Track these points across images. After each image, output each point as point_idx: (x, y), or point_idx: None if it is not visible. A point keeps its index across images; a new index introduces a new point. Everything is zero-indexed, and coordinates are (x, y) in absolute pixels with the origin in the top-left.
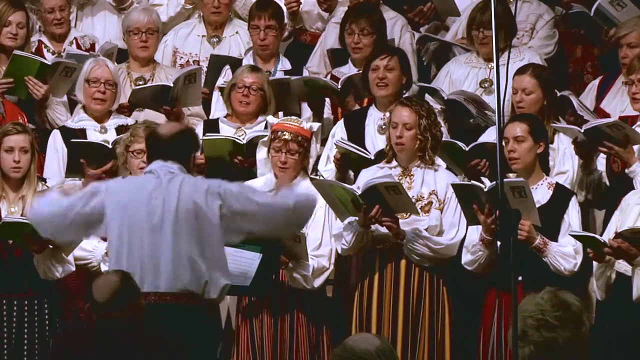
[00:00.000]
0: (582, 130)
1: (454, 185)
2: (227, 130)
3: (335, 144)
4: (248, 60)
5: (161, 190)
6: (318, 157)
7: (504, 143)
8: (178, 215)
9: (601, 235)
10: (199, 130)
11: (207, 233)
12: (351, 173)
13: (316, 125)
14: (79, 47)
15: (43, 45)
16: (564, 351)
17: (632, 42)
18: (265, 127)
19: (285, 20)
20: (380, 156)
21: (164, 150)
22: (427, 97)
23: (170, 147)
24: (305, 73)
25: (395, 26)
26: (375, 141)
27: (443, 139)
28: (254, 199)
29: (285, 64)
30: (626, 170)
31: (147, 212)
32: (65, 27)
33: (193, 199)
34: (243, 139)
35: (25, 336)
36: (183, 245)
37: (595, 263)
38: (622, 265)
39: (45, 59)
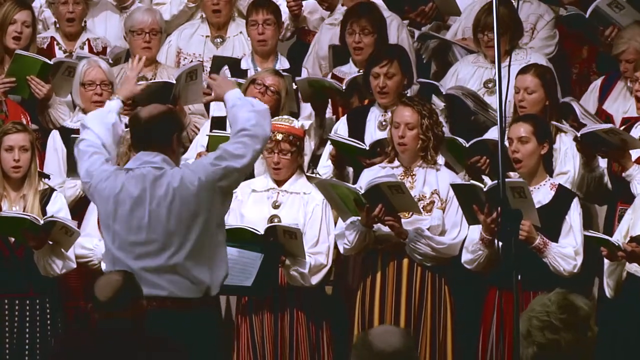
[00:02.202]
0: (579, 135)
1: (453, 186)
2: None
3: (328, 137)
4: (247, 60)
5: (145, 201)
6: (317, 156)
7: (507, 143)
8: (169, 224)
9: (612, 234)
10: (206, 127)
11: (202, 234)
12: (350, 170)
13: (307, 123)
14: (90, 49)
15: (55, 43)
16: (567, 354)
17: (630, 58)
18: None
19: (287, 22)
20: (376, 146)
21: (144, 135)
22: (433, 96)
23: (151, 132)
24: (305, 72)
25: (392, 26)
26: (374, 138)
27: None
28: (236, 166)
29: (283, 63)
30: (623, 174)
31: (133, 223)
32: (76, 25)
33: (183, 206)
34: None
35: (27, 336)
36: (177, 255)
37: (606, 260)
38: (632, 266)
39: (54, 56)
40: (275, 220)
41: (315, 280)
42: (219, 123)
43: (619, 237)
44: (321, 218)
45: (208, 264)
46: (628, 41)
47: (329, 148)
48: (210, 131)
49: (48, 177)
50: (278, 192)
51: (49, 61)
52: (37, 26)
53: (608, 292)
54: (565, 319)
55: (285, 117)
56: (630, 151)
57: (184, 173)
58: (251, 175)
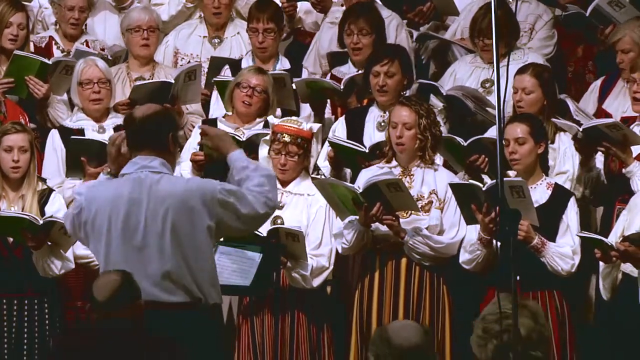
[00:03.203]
0: (581, 129)
1: (452, 185)
2: (225, 130)
3: (327, 140)
4: (247, 61)
5: (142, 204)
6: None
7: (504, 144)
8: (164, 230)
9: (607, 234)
10: (196, 130)
11: (195, 248)
12: (348, 171)
13: (316, 126)
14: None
15: (53, 42)
16: (526, 339)
17: (625, 48)
18: (265, 126)
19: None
20: (375, 149)
21: (139, 136)
22: (431, 96)
23: (145, 133)
24: (305, 72)
25: (391, 25)
26: (373, 138)
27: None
28: (241, 211)
29: (284, 63)
30: (623, 170)
31: (128, 230)
32: (79, 29)
33: (178, 214)
34: (242, 137)
35: (25, 336)
36: (170, 263)
37: (601, 263)
38: (628, 266)
39: (52, 55)
40: (279, 221)
41: (316, 282)
42: (210, 125)
43: (614, 238)
44: (324, 220)
45: (202, 281)
46: (624, 31)
47: (326, 149)
48: None
49: (44, 180)
50: (282, 193)
51: (47, 61)
52: (35, 27)
53: (604, 294)
54: (516, 308)
55: (294, 118)
56: (631, 147)
57: (186, 183)
58: None
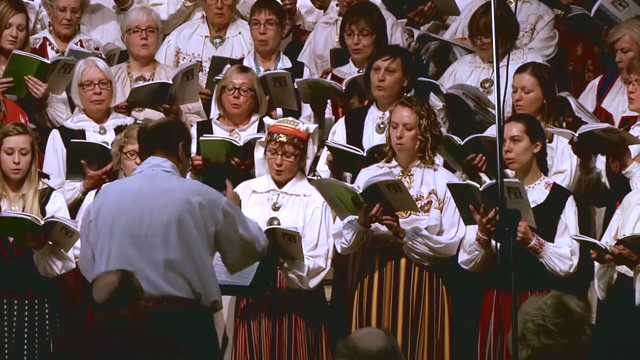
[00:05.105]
0: (577, 135)
1: (450, 185)
2: (220, 132)
3: (325, 144)
4: (249, 60)
5: (150, 198)
6: (317, 158)
7: None
8: (169, 224)
9: (602, 234)
10: (193, 131)
11: (198, 243)
12: (348, 175)
13: (312, 127)
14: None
15: (47, 43)
16: (560, 358)
17: (624, 47)
18: (260, 128)
19: None
20: (373, 152)
21: (150, 140)
22: (431, 95)
23: (156, 136)
24: (306, 71)
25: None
26: (372, 140)
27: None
28: (240, 232)
29: (285, 62)
30: (622, 172)
31: (133, 222)
32: (72, 30)
33: (185, 211)
34: (239, 140)
35: (25, 336)
36: (174, 252)
37: (597, 263)
38: (623, 266)
39: (46, 56)
40: (275, 222)
41: (313, 283)
42: (205, 127)
43: (608, 237)
44: (320, 221)
45: (202, 277)
46: (623, 30)
47: (326, 153)
48: (198, 136)
49: (47, 177)
50: (278, 194)
51: (46, 60)
52: (35, 27)
53: (599, 294)
54: (560, 323)
55: (290, 119)
56: (630, 147)
57: (195, 183)
58: (252, 176)
